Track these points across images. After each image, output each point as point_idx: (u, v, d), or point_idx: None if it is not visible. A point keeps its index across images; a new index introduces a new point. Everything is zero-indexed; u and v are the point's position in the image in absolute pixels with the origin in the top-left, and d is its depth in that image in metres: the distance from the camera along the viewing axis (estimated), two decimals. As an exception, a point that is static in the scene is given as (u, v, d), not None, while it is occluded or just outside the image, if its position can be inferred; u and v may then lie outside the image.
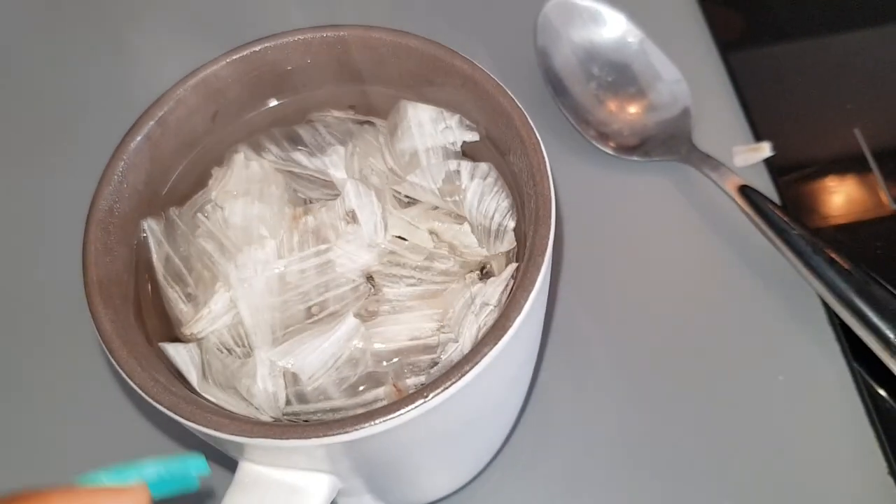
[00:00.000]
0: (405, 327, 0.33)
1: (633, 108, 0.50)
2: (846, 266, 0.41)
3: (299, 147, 0.37)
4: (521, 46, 0.51)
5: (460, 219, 0.35)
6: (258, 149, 0.37)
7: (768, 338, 0.44)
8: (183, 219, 0.35)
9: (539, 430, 0.42)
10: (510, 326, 0.29)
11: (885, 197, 0.47)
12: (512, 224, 0.34)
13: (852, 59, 0.52)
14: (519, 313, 0.29)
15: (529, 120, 0.33)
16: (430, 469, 0.36)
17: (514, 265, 0.33)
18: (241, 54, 0.36)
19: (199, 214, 0.35)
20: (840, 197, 0.48)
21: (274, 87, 0.38)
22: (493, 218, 0.35)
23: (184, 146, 0.37)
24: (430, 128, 0.36)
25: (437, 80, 0.36)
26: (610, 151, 0.49)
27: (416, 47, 0.36)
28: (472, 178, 0.35)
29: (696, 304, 0.45)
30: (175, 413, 0.29)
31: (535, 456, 0.42)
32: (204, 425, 0.28)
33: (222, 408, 0.31)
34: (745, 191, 0.44)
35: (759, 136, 0.50)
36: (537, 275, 0.30)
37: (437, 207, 0.36)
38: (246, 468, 0.30)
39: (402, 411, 0.28)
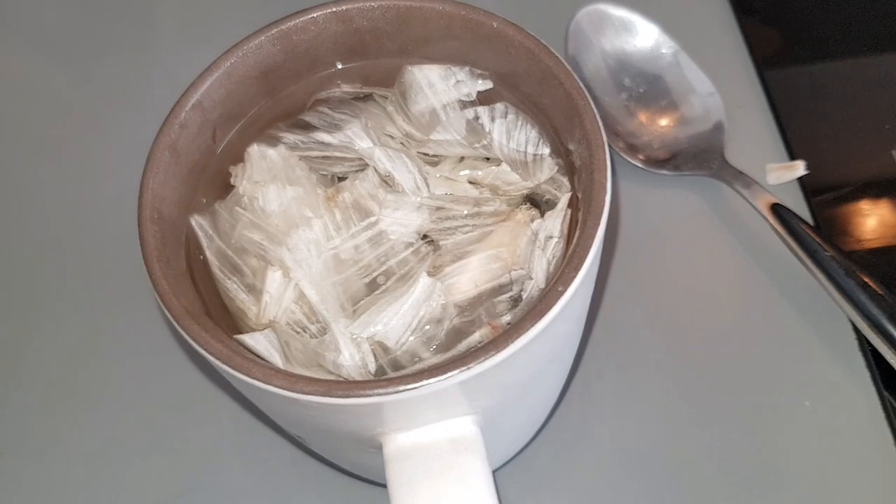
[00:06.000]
0: (475, 273, 0.32)
1: (664, 121, 0.49)
2: (879, 290, 0.40)
3: (315, 130, 0.36)
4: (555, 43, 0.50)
5: (493, 162, 0.35)
6: (271, 141, 0.36)
7: (795, 361, 0.42)
8: (228, 213, 0.34)
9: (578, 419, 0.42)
10: (588, 254, 0.29)
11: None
12: (547, 150, 0.35)
13: (892, 79, 0.52)
14: (592, 241, 0.29)
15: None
16: (522, 414, 0.36)
17: (567, 195, 0.33)
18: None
19: (237, 208, 0.34)
20: (874, 219, 0.46)
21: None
22: (525, 149, 0.35)
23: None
24: (441, 85, 0.36)
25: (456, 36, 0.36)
26: (639, 164, 0.48)
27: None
28: (492, 119, 0.35)
29: (722, 322, 0.44)
30: (319, 395, 0.28)
31: (576, 437, 0.41)
32: (352, 396, 0.27)
33: (345, 377, 0.30)
34: (777, 209, 0.43)
35: (793, 155, 0.48)
36: (602, 207, 0.30)
37: (462, 159, 0.36)
38: (390, 441, 0.30)
39: (533, 326, 0.28)
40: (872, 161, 0.48)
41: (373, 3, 0.35)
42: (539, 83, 0.34)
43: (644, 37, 0.50)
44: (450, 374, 0.27)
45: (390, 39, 0.36)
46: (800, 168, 0.47)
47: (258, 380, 0.28)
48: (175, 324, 0.29)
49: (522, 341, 0.28)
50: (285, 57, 0.35)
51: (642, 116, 0.49)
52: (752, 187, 0.45)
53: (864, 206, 0.47)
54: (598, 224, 0.30)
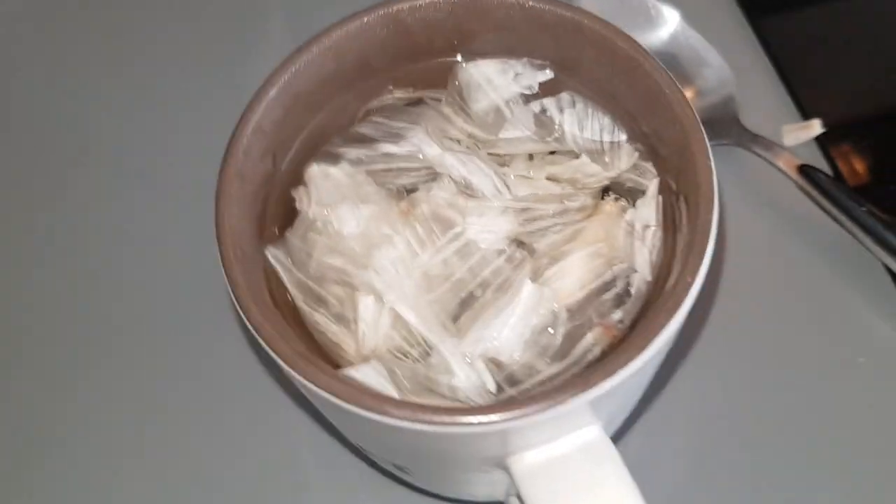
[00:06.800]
0: (578, 274, 0.31)
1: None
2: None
3: (375, 142, 0.34)
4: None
5: (565, 155, 0.34)
6: (331, 158, 0.34)
7: (842, 320, 0.42)
8: (301, 241, 0.32)
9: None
10: (709, 240, 0.28)
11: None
12: (623, 136, 0.34)
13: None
14: (710, 226, 0.28)
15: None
16: (632, 408, 0.35)
17: (656, 180, 0.32)
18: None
19: (311, 234, 0.32)
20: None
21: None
22: (601, 138, 0.34)
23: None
24: (500, 80, 0.35)
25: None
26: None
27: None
28: (561, 111, 0.34)
29: (762, 287, 0.43)
30: (454, 425, 0.26)
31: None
32: (489, 423, 0.26)
33: (463, 401, 0.29)
34: (806, 170, 0.43)
35: (805, 112, 0.47)
36: (711, 189, 0.29)
37: (531, 157, 0.34)
38: (518, 461, 0.28)
39: (668, 323, 0.27)
40: (887, 108, 0.48)
41: (425, 1, 0.33)
42: (609, 67, 0.33)
43: (650, 13, 0.49)
44: (595, 385, 0.26)
45: (441, 38, 0.35)
46: (816, 126, 0.47)
47: (394, 417, 0.26)
48: (287, 368, 0.27)
49: (660, 342, 0.27)
50: (336, 67, 0.33)
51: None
52: (775, 150, 0.44)
53: (886, 154, 0.47)
54: (711, 208, 0.28)
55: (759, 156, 0.45)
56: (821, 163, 0.46)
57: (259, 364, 0.41)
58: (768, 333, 0.42)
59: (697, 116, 0.30)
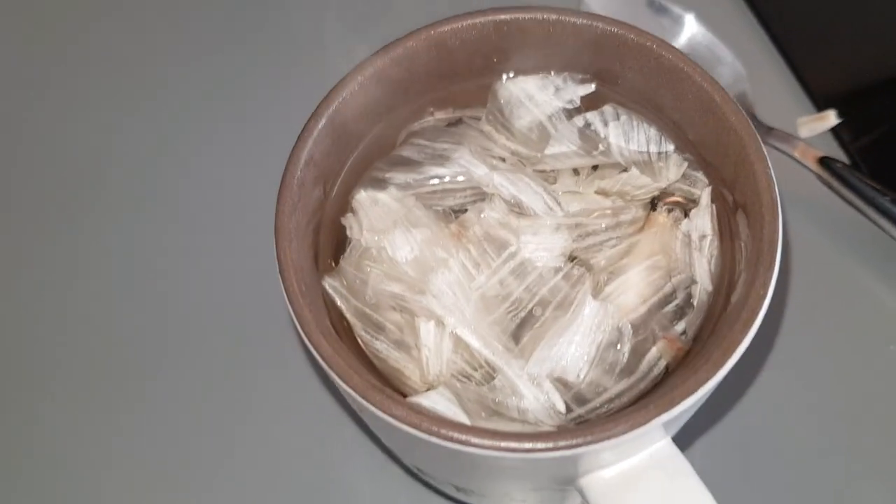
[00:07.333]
0: (639, 288, 0.31)
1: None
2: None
3: (420, 165, 0.34)
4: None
5: (615, 168, 0.34)
6: (377, 184, 0.34)
7: (871, 308, 0.42)
8: (356, 269, 0.32)
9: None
10: (776, 251, 0.28)
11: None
12: (671, 146, 0.34)
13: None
14: (777, 236, 0.29)
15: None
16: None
17: (708, 189, 0.33)
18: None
19: (366, 262, 0.32)
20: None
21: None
22: (648, 149, 0.34)
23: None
24: (541, 96, 0.35)
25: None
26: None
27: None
28: (605, 124, 0.34)
29: (793, 280, 0.43)
30: (536, 451, 0.26)
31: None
32: (571, 447, 0.26)
33: (533, 422, 0.29)
34: (827, 162, 0.43)
35: (817, 102, 0.48)
36: (775, 200, 0.29)
37: (577, 171, 0.34)
38: (594, 482, 0.28)
39: (744, 338, 0.27)
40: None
41: (466, 22, 0.33)
42: (654, 78, 0.33)
43: (662, 14, 0.49)
44: (678, 404, 0.26)
45: (481, 57, 0.34)
46: (831, 118, 0.47)
47: (476, 447, 0.26)
48: (361, 400, 0.27)
49: (737, 355, 0.27)
50: (381, 93, 0.33)
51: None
52: (794, 143, 0.45)
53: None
54: (776, 218, 0.29)
55: (778, 149, 0.45)
56: (837, 153, 0.46)
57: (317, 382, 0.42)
58: (797, 322, 0.42)
59: (753, 126, 0.30)
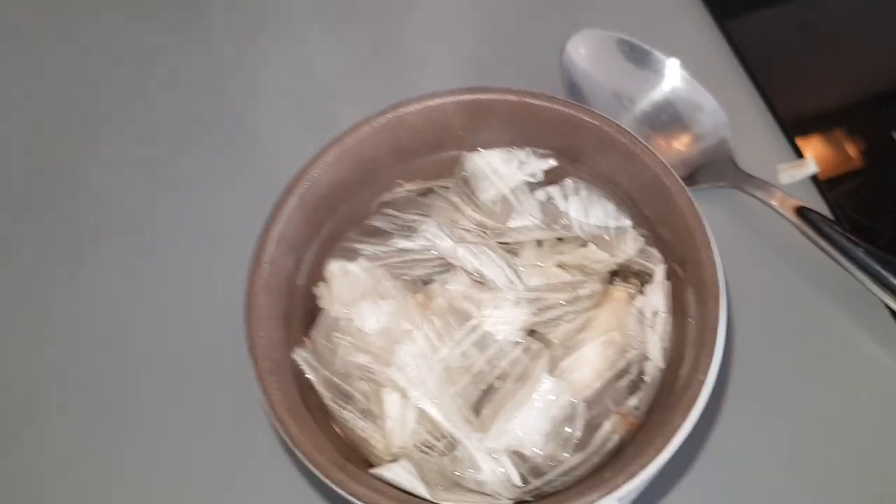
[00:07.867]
0: (594, 364, 0.32)
1: (677, 142, 0.49)
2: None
3: (389, 236, 0.36)
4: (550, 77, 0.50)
5: (571, 241, 0.35)
6: (348, 254, 0.35)
7: (844, 357, 0.43)
8: (326, 339, 0.34)
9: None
10: (717, 338, 0.30)
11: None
12: (628, 221, 0.35)
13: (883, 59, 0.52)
14: (717, 323, 0.30)
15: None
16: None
17: (662, 266, 0.34)
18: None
19: (335, 333, 0.34)
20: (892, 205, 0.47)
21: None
22: (606, 223, 0.35)
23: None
24: (505, 169, 0.36)
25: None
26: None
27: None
28: (566, 197, 0.36)
29: (765, 327, 0.44)
30: None
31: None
32: None
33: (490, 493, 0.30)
34: (804, 212, 0.44)
35: (797, 149, 0.49)
36: (717, 287, 0.31)
37: (540, 243, 0.36)
38: None
39: (684, 423, 0.28)
40: (877, 146, 0.49)
41: (431, 103, 0.35)
42: (610, 158, 0.34)
43: (645, 60, 0.50)
44: (619, 487, 0.27)
45: (448, 134, 0.36)
46: (810, 165, 0.48)
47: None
48: (324, 478, 0.28)
49: (678, 440, 0.28)
50: (350, 169, 0.35)
51: (660, 140, 0.50)
52: (772, 192, 0.45)
53: (882, 189, 0.48)
54: (717, 305, 0.30)
55: (756, 198, 0.46)
56: (817, 200, 0.47)
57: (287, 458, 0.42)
58: (771, 374, 0.42)
59: (699, 209, 0.32)
